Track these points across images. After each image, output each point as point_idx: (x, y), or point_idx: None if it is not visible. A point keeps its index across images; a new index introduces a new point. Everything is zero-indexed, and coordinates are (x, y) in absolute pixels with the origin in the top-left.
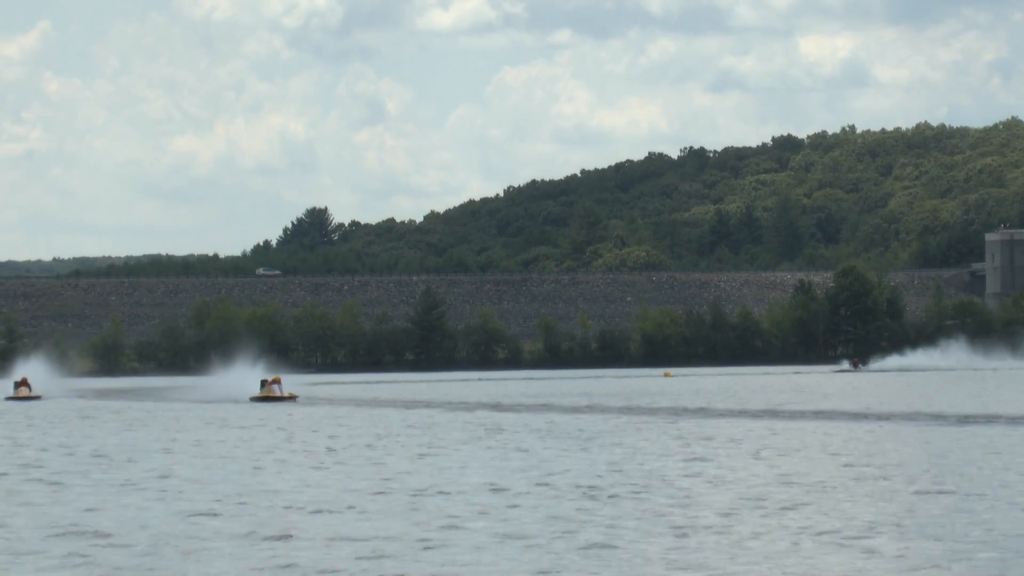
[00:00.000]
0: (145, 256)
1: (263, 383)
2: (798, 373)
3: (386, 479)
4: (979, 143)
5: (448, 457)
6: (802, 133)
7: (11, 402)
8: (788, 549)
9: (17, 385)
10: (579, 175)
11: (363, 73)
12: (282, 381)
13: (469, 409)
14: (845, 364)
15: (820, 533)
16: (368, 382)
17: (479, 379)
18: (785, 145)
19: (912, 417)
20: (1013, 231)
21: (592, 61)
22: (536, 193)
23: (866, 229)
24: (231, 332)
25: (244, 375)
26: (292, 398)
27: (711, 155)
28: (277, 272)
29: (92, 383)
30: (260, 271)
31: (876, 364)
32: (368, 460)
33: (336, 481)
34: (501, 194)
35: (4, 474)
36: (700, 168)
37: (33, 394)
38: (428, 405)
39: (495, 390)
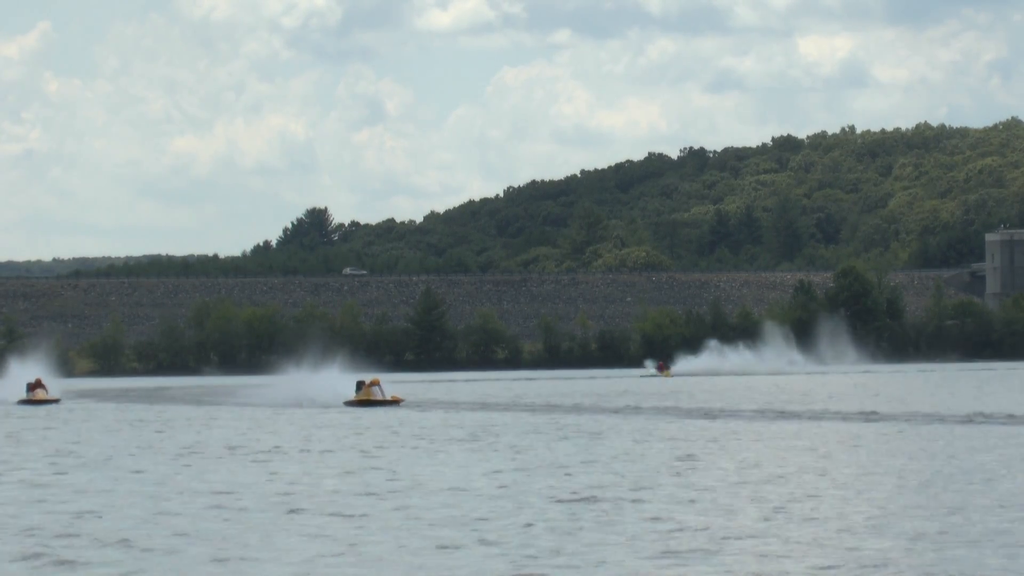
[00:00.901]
0: (145, 256)
1: (360, 385)
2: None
3: None
4: (979, 143)
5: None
6: (802, 133)
7: (26, 406)
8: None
9: (31, 387)
10: (579, 175)
11: (363, 73)
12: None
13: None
14: (651, 369)
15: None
16: (440, 381)
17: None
18: (785, 145)
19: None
20: (1013, 231)
21: (591, 61)
22: (536, 193)
23: (866, 229)
24: (231, 332)
25: (333, 376)
26: (397, 402)
27: (711, 155)
28: (364, 272)
29: (117, 384)
30: (347, 271)
31: (681, 367)
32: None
33: None
34: (501, 194)
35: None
36: (700, 168)
37: (51, 397)
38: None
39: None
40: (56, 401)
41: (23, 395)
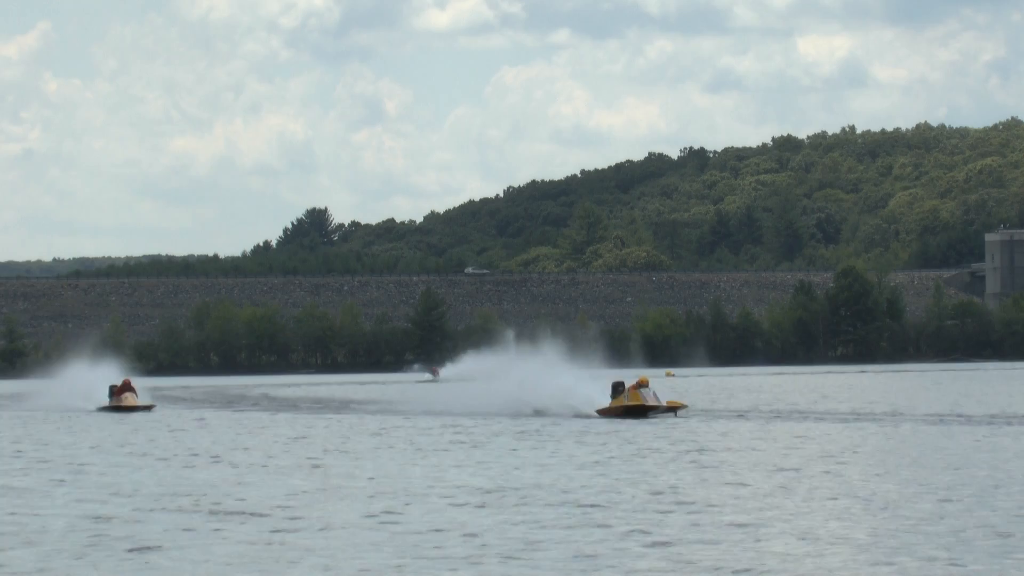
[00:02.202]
0: (145, 256)
1: (618, 387)
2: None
3: None
4: (979, 143)
5: None
6: (802, 133)
7: (114, 413)
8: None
9: (116, 391)
10: (579, 175)
11: (361, 73)
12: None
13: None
14: (426, 373)
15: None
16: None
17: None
18: (785, 145)
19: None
20: (1013, 231)
21: (590, 61)
22: (536, 193)
23: (866, 229)
24: (231, 333)
25: (572, 374)
26: (674, 409)
27: (711, 155)
28: (486, 271)
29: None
30: (469, 270)
31: (451, 371)
32: None
33: None
34: (501, 194)
35: None
36: (700, 168)
37: (142, 403)
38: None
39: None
40: (149, 408)
41: (104, 401)
